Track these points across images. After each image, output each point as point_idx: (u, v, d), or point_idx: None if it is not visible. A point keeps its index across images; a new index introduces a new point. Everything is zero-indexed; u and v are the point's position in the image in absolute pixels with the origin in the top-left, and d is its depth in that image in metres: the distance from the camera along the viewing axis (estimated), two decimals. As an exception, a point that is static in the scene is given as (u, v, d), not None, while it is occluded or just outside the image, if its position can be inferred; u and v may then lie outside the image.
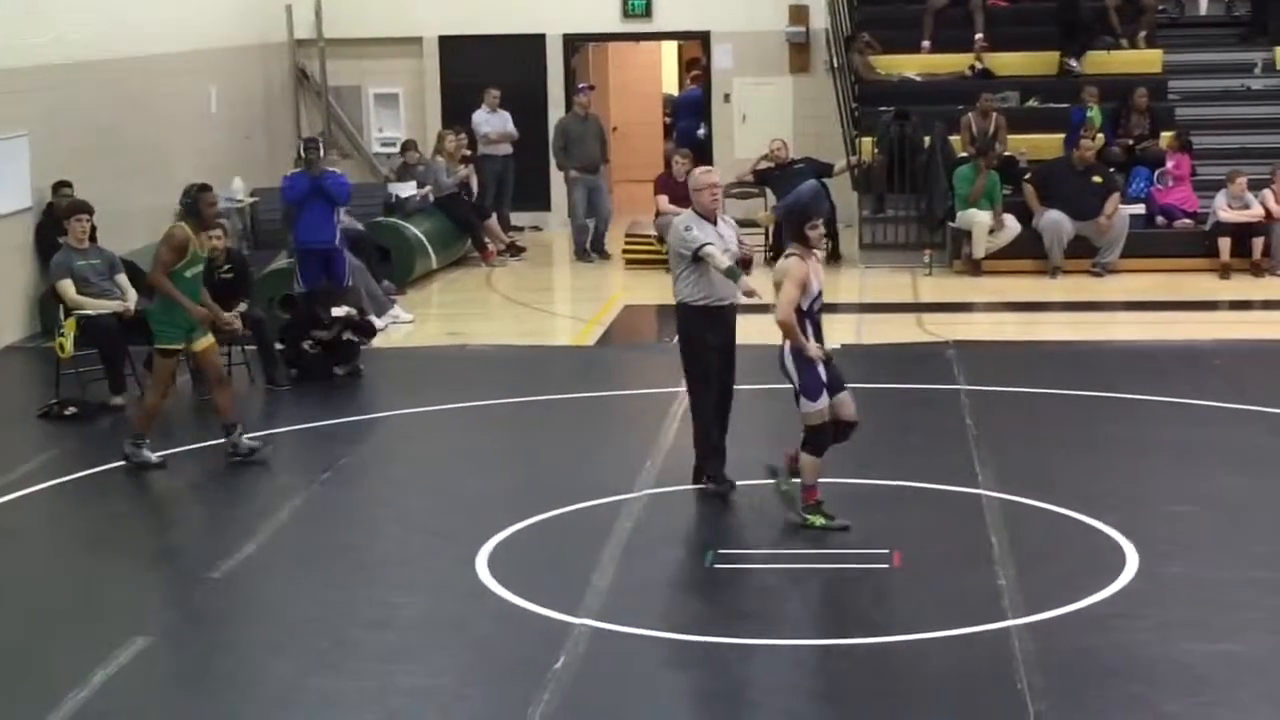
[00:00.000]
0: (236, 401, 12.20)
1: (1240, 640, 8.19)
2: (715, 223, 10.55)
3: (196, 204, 11.56)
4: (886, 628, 8.48)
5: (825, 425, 9.93)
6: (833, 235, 18.13)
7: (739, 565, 9.54)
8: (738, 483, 10.65)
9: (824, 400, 9.90)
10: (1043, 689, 7.60)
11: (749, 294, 10.36)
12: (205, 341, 11.67)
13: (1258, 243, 18.39)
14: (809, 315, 9.96)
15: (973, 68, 21.24)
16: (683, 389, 13.59)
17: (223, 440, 11.73)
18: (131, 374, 13.69)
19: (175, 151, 19.07)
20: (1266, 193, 18.53)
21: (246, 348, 14.27)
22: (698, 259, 10.38)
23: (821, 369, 9.90)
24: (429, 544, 10.06)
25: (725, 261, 10.35)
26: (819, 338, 10.02)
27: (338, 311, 14.41)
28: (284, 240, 16.80)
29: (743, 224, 19.77)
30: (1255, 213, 18.43)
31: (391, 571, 9.66)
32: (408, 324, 16.82)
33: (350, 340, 14.41)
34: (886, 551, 9.56)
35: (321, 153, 16.05)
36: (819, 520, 9.91)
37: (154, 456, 11.60)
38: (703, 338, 10.62)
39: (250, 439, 11.78)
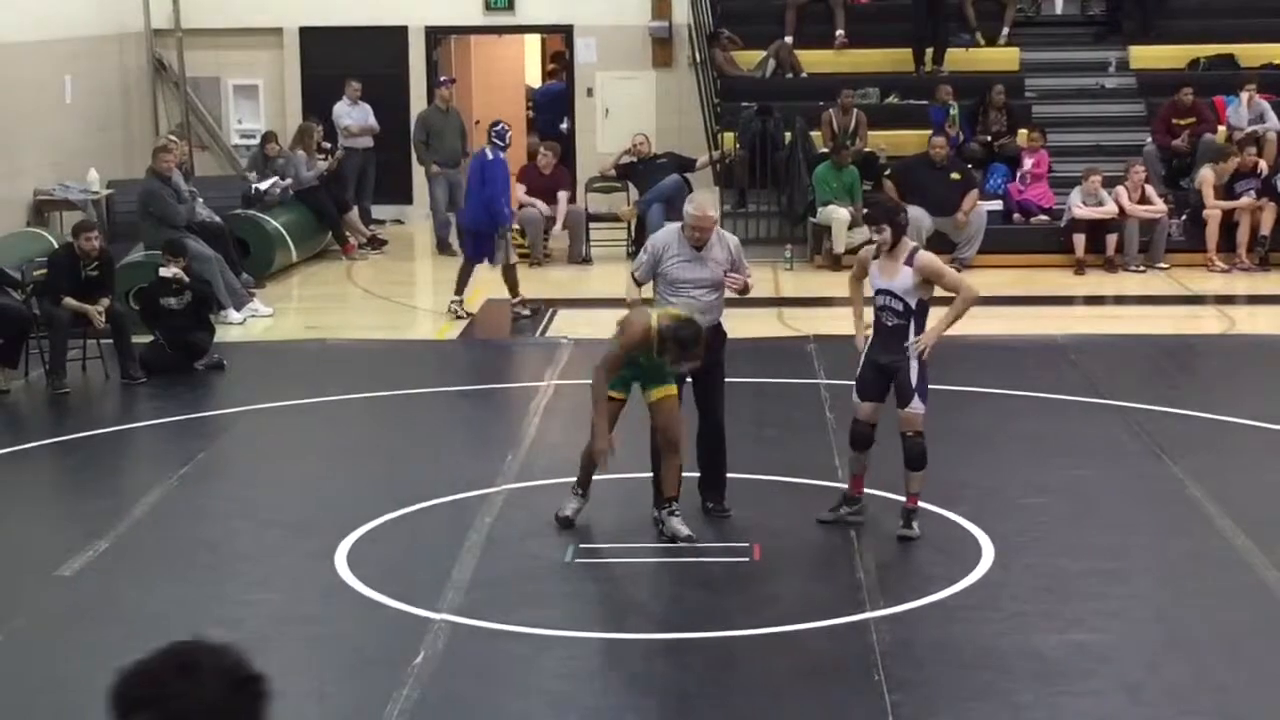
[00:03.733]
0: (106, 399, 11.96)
1: (1091, 630, 8.33)
2: (700, 249, 9.85)
3: None
4: (746, 621, 8.53)
5: (853, 421, 9.89)
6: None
7: (600, 560, 9.54)
8: (601, 476, 10.64)
9: (855, 399, 9.94)
10: (899, 680, 7.67)
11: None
12: (663, 390, 9.64)
13: (1111, 239, 18.69)
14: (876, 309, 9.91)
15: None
16: (544, 383, 13.66)
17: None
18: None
19: (29, 142, 18.71)
20: (1120, 190, 18.83)
21: (102, 342, 14.07)
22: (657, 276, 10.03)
23: (862, 365, 9.94)
24: (287, 540, 9.95)
25: (631, 294, 10.11)
26: (886, 337, 9.93)
27: (165, 272, 14.37)
28: (139, 232, 16.53)
29: (604, 218, 20.09)
30: (1109, 210, 18.73)
31: (248, 568, 9.55)
32: (266, 318, 16.66)
33: (198, 301, 14.46)
34: (747, 545, 9.61)
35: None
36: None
37: (684, 530, 9.67)
38: None
39: (684, 527, 9.67)
